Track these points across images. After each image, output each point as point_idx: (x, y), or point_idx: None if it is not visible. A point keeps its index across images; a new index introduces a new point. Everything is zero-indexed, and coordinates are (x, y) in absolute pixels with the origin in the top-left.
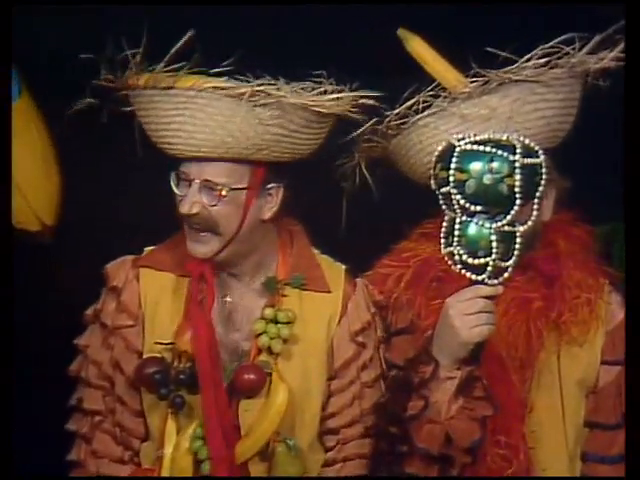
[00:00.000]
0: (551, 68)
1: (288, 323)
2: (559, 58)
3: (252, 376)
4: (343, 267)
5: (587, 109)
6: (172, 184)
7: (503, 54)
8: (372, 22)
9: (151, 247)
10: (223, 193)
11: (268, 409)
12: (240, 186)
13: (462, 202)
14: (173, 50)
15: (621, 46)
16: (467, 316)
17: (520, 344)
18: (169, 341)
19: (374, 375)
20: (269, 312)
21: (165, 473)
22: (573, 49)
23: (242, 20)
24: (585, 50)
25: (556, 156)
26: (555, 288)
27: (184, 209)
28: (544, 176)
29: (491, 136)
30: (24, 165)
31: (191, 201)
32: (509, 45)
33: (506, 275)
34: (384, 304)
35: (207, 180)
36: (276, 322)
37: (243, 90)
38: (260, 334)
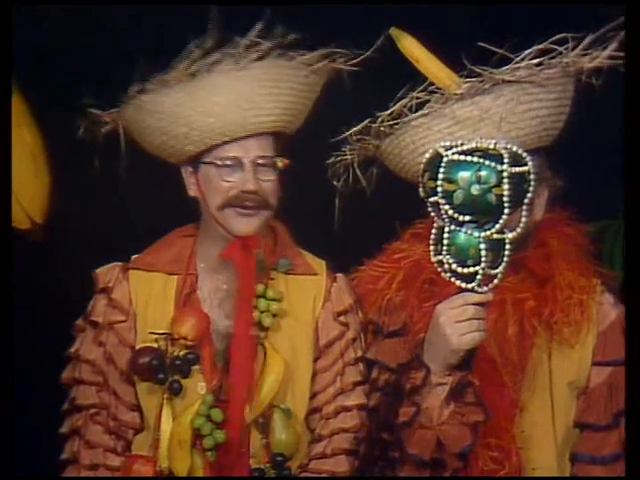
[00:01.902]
0: (544, 68)
1: (276, 300)
2: (552, 58)
3: None
4: (324, 262)
5: (580, 108)
6: (215, 175)
7: (499, 51)
8: (365, 21)
9: (137, 255)
10: (280, 165)
11: (266, 377)
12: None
13: (450, 212)
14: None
15: (614, 45)
16: (458, 323)
17: (512, 344)
18: (164, 331)
19: (354, 355)
20: (259, 288)
21: (163, 452)
22: (566, 49)
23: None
24: (578, 50)
25: (549, 155)
26: (547, 288)
27: (249, 187)
28: (532, 183)
29: (479, 145)
30: (13, 163)
31: (251, 178)
32: (502, 45)
33: (496, 282)
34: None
35: (260, 156)
36: (265, 298)
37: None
38: None
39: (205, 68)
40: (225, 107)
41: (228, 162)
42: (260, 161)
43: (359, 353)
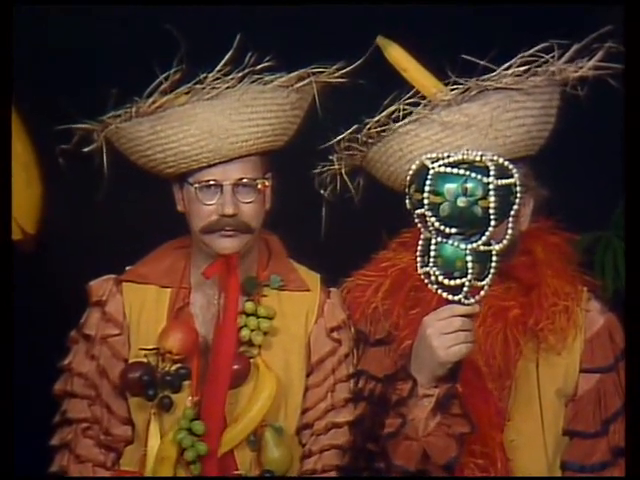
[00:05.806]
0: (530, 76)
1: (268, 318)
2: (538, 66)
3: (236, 366)
4: (318, 276)
5: (567, 118)
6: (195, 197)
7: (482, 62)
8: (352, 30)
9: (131, 267)
10: (260, 187)
11: (258, 395)
12: (266, 177)
13: (437, 224)
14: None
15: (599, 55)
16: (445, 335)
17: (497, 352)
18: (153, 347)
19: (346, 372)
20: (250, 306)
21: (149, 466)
22: (552, 57)
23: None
24: (564, 59)
25: (534, 164)
26: (532, 296)
27: (227, 211)
28: (518, 195)
29: (465, 157)
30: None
31: (229, 202)
32: (489, 52)
33: (483, 293)
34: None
35: (240, 179)
36: (257, 316)
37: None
38: (241, 327)
39: (175, 100)
40: (199, 137)
41: (208, 184)
42: (241, 182)
43: (351, 369)
